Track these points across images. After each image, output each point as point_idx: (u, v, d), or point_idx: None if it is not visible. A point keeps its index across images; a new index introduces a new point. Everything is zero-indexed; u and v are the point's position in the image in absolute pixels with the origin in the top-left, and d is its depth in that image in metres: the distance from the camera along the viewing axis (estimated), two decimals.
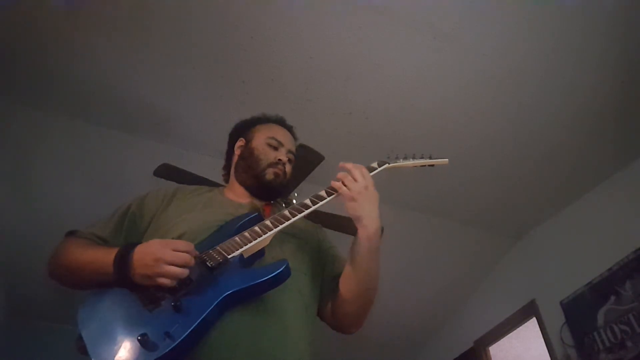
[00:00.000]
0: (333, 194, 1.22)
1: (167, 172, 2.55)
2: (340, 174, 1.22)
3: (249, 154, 1.42)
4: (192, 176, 2.54)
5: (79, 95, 2.61)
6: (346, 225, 2.53)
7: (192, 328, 0.92)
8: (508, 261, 3.74)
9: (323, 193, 1.23)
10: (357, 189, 1.17)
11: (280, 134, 1.47)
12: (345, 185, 1.19)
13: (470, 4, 2.21)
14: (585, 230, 3.14)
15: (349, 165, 1.22)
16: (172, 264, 0.99)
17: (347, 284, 1.22)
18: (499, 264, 3.79)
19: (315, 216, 1.31)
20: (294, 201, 2.64)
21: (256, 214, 1.24)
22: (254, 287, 1.02)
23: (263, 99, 2.62)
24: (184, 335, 0.90)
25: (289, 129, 1.53)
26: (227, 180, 1.51)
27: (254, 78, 2.54)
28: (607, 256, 2.85)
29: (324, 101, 2.67)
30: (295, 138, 1.53)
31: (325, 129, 2.79)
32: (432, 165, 1.44)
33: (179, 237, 1.16)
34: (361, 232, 1.17)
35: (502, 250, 3.73)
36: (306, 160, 2.54)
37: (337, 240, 1.47)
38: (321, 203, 1.21)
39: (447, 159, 1.43)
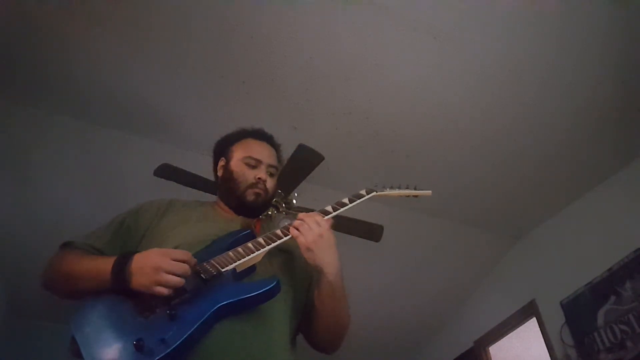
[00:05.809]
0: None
1: (167, 172, 2.55)
2: (296, 222, 1.23)
3: (228, 176, 1.42)
4: (192, 176, 2.54)
5: (78, 95, 2.61)
6: (351, 227, 2.60)
7: (186, 335, 0.95)
8: (508, 261, 3.74)
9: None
10: (311, 238, 1.19)
11: (257, 150, 1.44)
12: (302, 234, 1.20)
13: (470, 4, 2.22)
14: (585, 230, 3.14)
15: (302, 215, 1.24)
16: (171, 273, 1.02)
17: (316, 317, 1.25)
18: (499, 264, 3.79)
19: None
20: (294, 201, 2.64)
21: (248, 230, 1.27)
22: (247, 300, 1.07)
23: (263, 99, 2.62)
24: (178, 342, 0.93)
25: (268, 139, 1.50)
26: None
27: (254, 78, 2.54)
28: (607, 256, 2.86)
29: (324, 101, 2.67)
30: (275, 147, 1.51)
31: (325, 129, 2.79)
32: (416, 196, 1.45)
33: (174, 249, 1.17)
34: (323, 279, 1.20)
35: (502, 250, 3.73)
36: (306, 160, 2.54)
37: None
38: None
39: (430, 191, 1.44)
